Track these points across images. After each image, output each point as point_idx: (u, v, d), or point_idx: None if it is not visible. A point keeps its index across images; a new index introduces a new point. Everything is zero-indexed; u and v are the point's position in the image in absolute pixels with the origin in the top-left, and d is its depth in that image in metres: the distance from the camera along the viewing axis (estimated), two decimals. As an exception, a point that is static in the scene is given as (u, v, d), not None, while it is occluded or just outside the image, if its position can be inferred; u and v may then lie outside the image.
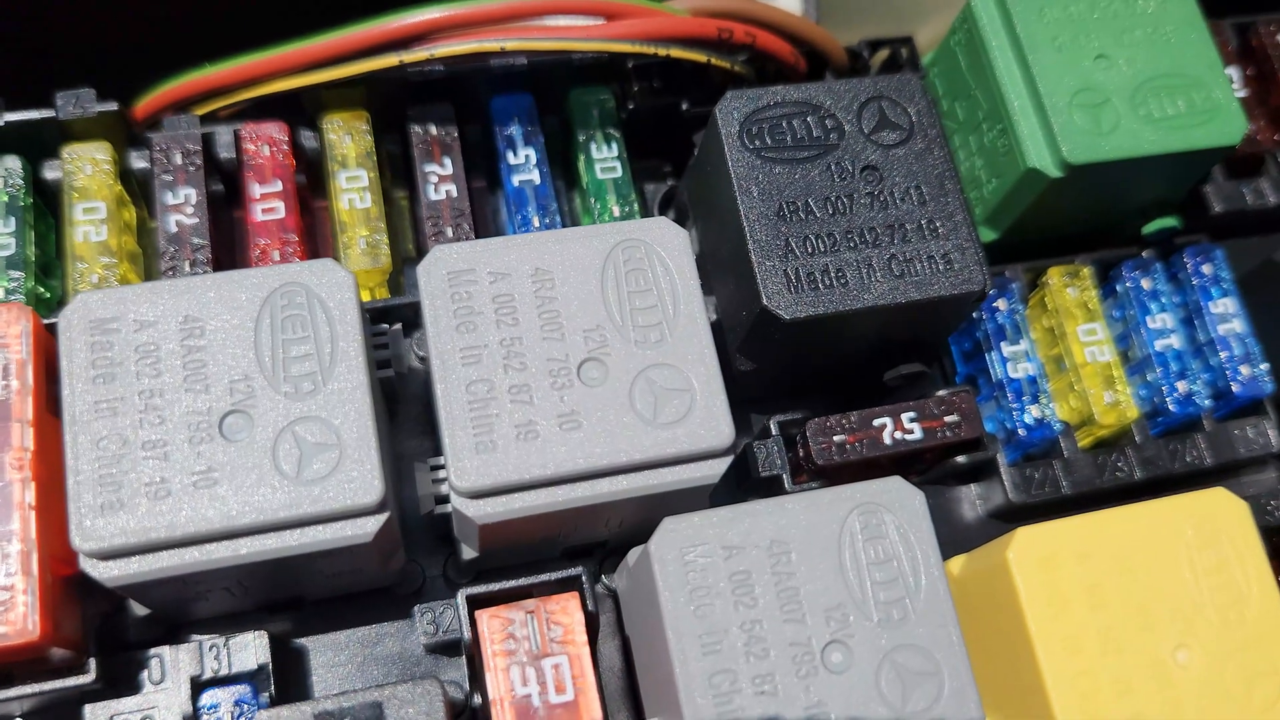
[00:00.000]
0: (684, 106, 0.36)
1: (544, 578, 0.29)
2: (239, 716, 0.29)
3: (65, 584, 0.28)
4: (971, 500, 0.36)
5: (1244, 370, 0.35)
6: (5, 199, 0.32)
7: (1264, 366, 0.35)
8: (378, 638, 0.32)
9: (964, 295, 0.30)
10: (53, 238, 0.34)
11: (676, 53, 0.33)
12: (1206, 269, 0.36)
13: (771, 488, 0.32)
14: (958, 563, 0.31)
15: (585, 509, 0.28)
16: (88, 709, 0.29)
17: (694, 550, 0.27)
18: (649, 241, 0.29)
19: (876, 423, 0.32)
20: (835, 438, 0.32)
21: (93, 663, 0.28)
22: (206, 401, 0.27)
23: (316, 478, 0.26)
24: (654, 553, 0.27)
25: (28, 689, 0.28)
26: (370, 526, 0.26)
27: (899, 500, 0.28)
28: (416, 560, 0.32)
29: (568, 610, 0.28)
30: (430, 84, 0.34)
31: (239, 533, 0.26)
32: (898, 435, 0.32)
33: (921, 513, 0.28)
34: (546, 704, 0.27)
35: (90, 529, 0.25)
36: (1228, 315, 0.36)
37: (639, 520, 0.30)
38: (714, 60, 0.34)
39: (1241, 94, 0.39)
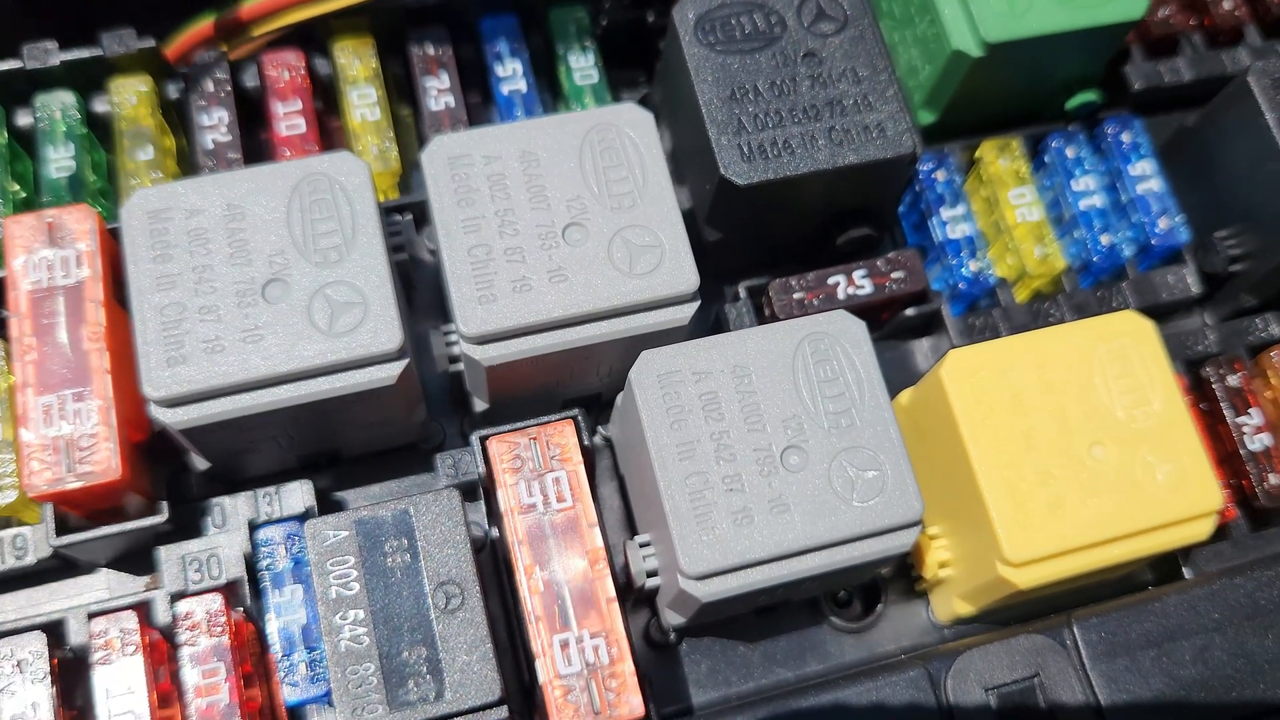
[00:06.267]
0: (650, 19, 0.40)
1: (546, 418, 0.34)
2: (291, 545, 0.33)
3: (136, 448, 0.33)
4: (924, 353, 0.40)
5: (1162, 222, 0.39)
6: (64, 128, 0.37)
7: (1179, 218, 0.39)
8: (405, 489, 0.36)
9: (896, 158, 0.35)
10: (104, 166, 0.38)
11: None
12: (1126, 136, 0.40)
13: (743, 344, 0.37)
14: (906, 394, 0.36)
15: (575, 351, 0.32)
16: (161, 550, 0.34)
17: (669, 376, 0.31)
18: (619, 124, 0.34)
19: (831, 280, 0.37)
20: (795, 295, 0.37)
21: (164, 505, 0.33)
22: (250, 273, 0.31)
23: (346, 330, 0.31)
24: (634, 379, 0.31)
25: (112, 529, 0.32)
26: (394, 370, 0.31)
27: (842, 328, 0.32)
28: (438, 420, 0.37)
29: (564, 433, 0.32)
30: (426, 9, 0.39)
31: (283, 379, 0.31)
32: (850, 290, 0.37)
33: (862, 337, 0.32)
34: (550, 511, 0.31)
35: (159, 379, 0.30)
36: (1146, 175, 0.40)
37: (623, 367, 0.34)
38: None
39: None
